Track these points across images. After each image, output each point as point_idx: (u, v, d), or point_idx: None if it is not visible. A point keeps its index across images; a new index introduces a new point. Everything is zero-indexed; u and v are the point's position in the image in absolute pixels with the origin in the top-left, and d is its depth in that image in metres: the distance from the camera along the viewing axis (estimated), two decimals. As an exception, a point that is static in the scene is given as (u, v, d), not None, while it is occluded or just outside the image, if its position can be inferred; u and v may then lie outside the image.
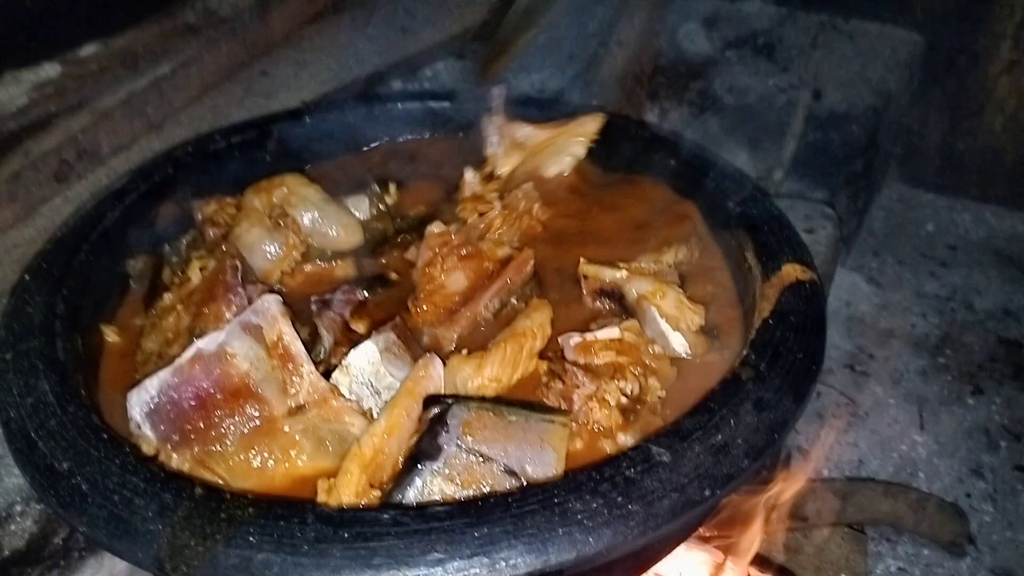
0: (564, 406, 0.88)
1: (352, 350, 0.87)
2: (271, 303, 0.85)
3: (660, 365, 0.94)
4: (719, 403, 0.81)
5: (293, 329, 0.85)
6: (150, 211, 1.12)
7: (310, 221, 1.09)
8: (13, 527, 0.94)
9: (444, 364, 0.88)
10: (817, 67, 2.36)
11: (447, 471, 0.76)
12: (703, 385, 0.86)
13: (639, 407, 0.88)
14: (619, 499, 0.71)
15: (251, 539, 0.65)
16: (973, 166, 2.80)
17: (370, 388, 0.86)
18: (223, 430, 0.79)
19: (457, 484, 0.75)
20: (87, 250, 1.01)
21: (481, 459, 0.77)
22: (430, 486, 0.75)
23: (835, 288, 2.32)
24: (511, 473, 0.77)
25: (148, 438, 0.78)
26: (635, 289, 0.99)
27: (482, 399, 0.84)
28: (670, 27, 2.49)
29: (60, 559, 0.98)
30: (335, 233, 1.10)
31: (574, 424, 0.85)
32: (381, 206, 1.18)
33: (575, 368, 0.89)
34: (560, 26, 2.50)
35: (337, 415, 0.82)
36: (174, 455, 0.77)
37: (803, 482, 1.34)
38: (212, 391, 0.80)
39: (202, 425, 0.79)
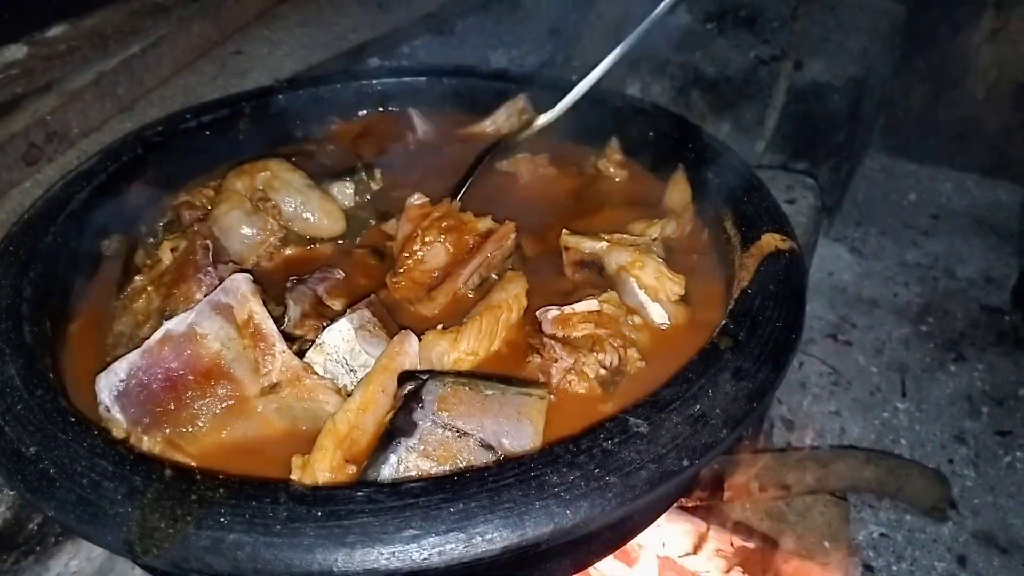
0: (543, 380, 0.87)
1: (326, 329, 0.85)
2: (241, 282, 0.84)
3: (639, 336, 0.93)
4: (697, 373, 0.80)
5: (264, 308, 0.83)
6: (120, 192, 1.10)
7: (292, 207, 1.07)
8: (-13, 514, 0.92)
9: (420, 339, 0.87)
10: (798, 38, 2.34)
11: (422, 447, 0.75)
12: (685, 355, 0.85)
13: (618, 378, 0.87)
14: (596, 471, 0.70)
15: (222, 520, 0.64)
16: (955, 135, 2.80)
17: (345, 366, 0.85)
18: (195, 411, 0.78)
19: (433, 460, 0.75)
20: (55, 232, 0.99)
21: (457, 434, 0.76)
22: (406, 462, 0.74)
23: (818, 258, 2.32)
24: (488, 447, 0.77)
25: (118, 421, 0.77)
26: (614, 260, 0.98)
27: (458, 374, 0.84)
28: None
29: (36, 544, 0.97)
30: (317, 220, 1.08)
31: (552, 396, 0.85)
32: (367, 195, 1.15)
33: (553, 341, 0.88)
34: (540, 1, 2.47)
35: (311, 393, 0.81)
36: (144, 438, 0.76)
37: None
38: (182, 372, 0.79)
39: (173, 407, 0.78)
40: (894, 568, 1.64)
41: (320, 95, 1.33)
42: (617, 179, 1.22)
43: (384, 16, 2.04)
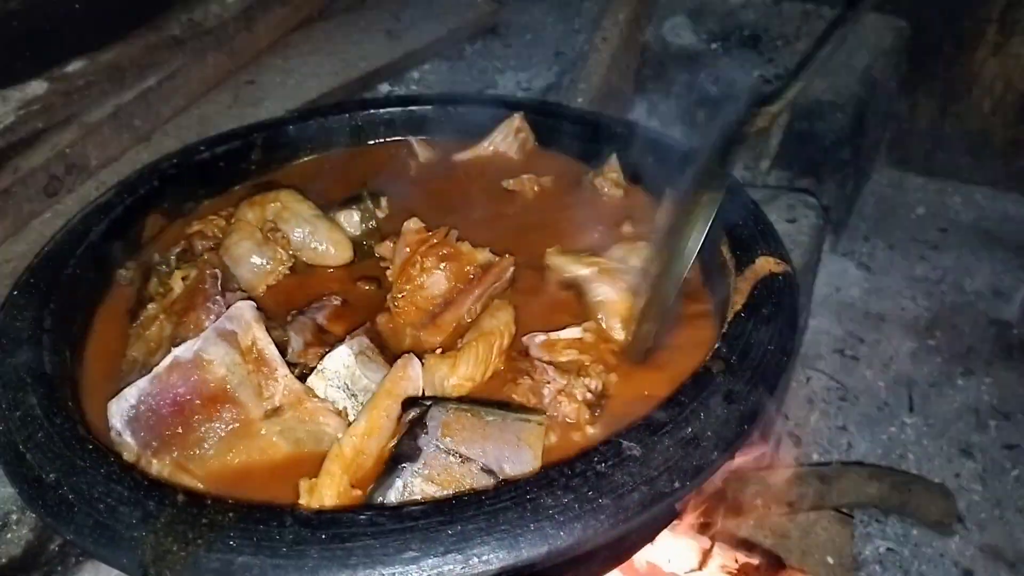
0: (534, 400, 0.90)
1: (327, 354, 0.89)
2: (244, 309, 0.87)
3: (621, 361, 0.96)
4: (689, 396, 0.83)
5: (267, 334, 0.87)
6: (136, 224, 1.14)
7: (301, 236, 1.11)
8: (9, 535, 0.96)
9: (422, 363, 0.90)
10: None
11: (427, 471, 0.78)
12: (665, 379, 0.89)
13: (603, 402, 0.91)
14: (590, 493, 0.73)
15: (231, 543, 0.68)
16: (963, 149, 2.81)
17: (346, 391, 0.88)
18: (201, 434, 0.82)
19: (437, 485, 0.77)
20: (74, 264, 1.03)
21: (460, 459, 0.79)
22: (411, 487, 0.77)
23: (825, 274, 2.33)
24: (489, 472, 0.79)
25: (129, 445, 0.81)
26: (594, 293, 1.01)
27: (459, 400, 0.87)
28: (656, 21, 2.51)
29: (57, 565, 1.01)
30: (325, 249, 1.11)
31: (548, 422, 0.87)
32: (372, 222, 1.19)
33: (544, 364, 0.91)
34: (547, 24, 2.52)
35: (312, 416, 0.84)
36: (154, 461, 0.80)
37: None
38: (190, 397, 0.82)
39: (181, 430, 0.81)
40: (901, 583, 1.65)
41: (327, 125, 1.37)
42: (613, 198, 1.24)
43: (393, 43, 2.09)
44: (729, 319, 0.94)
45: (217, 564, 0.67)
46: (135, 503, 0.71)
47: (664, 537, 1.27)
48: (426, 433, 0.80)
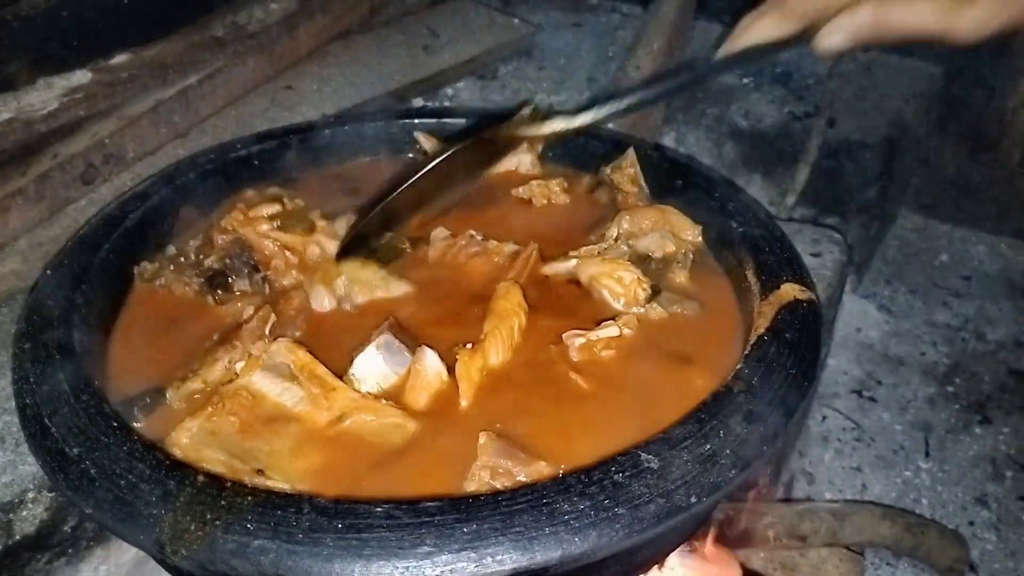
0: None
1: (355, 360, 0.92)
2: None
3: None
4: (710, 414, 0.83)
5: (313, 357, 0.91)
6: (170, 215, 1.16)
7: (370, 298, 1.09)
8: (24, 513, 0.97)
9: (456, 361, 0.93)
10: (833, 96, 2.38)
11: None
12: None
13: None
14: (606, 502, 0.72)
15: (248, 526, 0.68)
16: (989, 198, 2.81)
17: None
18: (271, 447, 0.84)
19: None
20: (108, 249, 1.05)
21: None
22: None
23: (846, 314, 2.32)
24: None
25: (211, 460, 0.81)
26: (586, 273, 1.07)
27: None
28: (688, 53, 2.53)
29: (69, 547, 1.01)
30: (388, 295, 1.10)
31: None
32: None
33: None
34: (581, 50, 2.54)
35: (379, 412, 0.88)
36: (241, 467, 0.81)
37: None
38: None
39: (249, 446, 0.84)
40: (909, 628, 1.63)
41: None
42: (628, 195, 1.26)
43: (429, 59, 2.11)
44: (752, 341, 0.94)
45: (233, 546, 0.67)
46: (156, 481, 0.72)
47: (672, 562, 1.27)
48: None
